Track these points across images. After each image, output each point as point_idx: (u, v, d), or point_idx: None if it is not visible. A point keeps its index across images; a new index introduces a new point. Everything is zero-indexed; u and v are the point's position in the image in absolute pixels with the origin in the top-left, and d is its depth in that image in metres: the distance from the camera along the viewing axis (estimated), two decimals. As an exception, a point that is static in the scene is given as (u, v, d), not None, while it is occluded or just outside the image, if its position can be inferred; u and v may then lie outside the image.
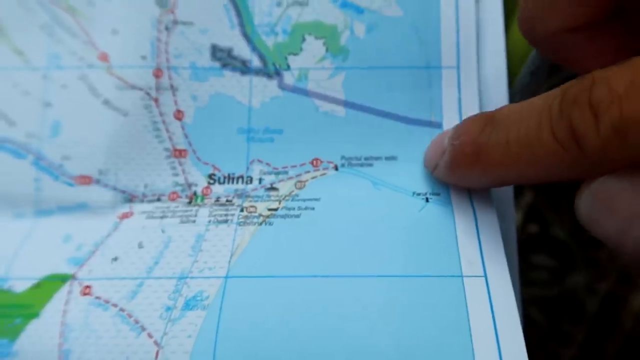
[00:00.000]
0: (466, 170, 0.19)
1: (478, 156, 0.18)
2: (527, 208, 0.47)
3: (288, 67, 0.23)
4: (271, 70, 0.23)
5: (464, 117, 0.21)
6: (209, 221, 0.21)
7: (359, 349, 0.18)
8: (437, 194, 0.21)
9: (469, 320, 0.18)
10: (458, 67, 0.22)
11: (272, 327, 0.18)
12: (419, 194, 0.21)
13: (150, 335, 0.19)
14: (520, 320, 0.18)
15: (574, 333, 0.48)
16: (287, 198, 0.21)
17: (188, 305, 0.19)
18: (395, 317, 0.18)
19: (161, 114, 0.23)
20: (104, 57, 0.23)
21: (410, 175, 0.21)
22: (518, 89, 0.25)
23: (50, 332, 0.19)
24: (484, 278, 0.19)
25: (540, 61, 0.24)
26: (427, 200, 0.21)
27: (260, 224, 0.21)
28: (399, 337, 0.18)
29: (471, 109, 0.22)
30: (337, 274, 0.19)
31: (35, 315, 0.20)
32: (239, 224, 0.21)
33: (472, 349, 0.17)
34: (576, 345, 0.47)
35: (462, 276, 0.19)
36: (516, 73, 0.25)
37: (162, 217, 0.21)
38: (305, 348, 0.18)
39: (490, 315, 0.18)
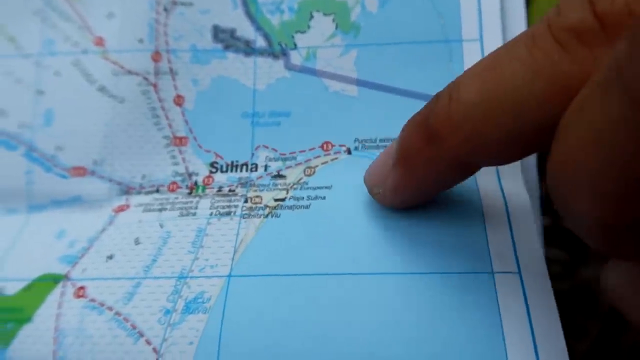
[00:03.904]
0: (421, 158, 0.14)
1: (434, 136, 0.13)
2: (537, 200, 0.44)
3: (295, 46, 0.20)
4: (277, 50, 0.20)
5: None
6: (211, 214, 0.18)
7: (375, 356, 0.15)
8: None
9: (501, 324, 0.15)
10: (481, 40, 0.19)
11: (280, 331, 0.15)
12: None
13: (148, 342, 0.16)
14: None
15: (588, 327, 0.45)
16: (295, 187, 0.18)
17: (188, 308, 0.16)
18: (416, 321, 0.15)
19: (160, 100, 0.20)
20: (99, 42, 0.21)
21: None
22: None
23: (43, 337, 0.17)
24: (517, 275, 0.15)
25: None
26: None
27: (266, 216, 0.18)
28: (420, 343, 0.15)
29: None
30: (352, 271, 0.16)
31: (27, 319, 0.17)
32: (242, 216, 0.18)
33: (506, 358, 0.14)
34: (590, 339, 0.45)
35: (492, 272, 0.15)
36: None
37: (160, 210, 0.18)
38: (316, 355, 0.15)
39: (527, 318, 0.14)
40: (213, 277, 0.17)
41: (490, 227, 0.16)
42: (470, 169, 0.15)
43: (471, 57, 0.19)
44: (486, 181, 0.17)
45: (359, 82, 0.19)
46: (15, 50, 0.21)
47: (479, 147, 0.13)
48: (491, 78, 0.12)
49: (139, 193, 0.19)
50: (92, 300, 0.17)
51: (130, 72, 0.20)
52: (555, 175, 0.10)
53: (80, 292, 0.17)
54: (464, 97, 0.13)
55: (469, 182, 0.17)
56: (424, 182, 0.15)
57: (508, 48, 0.12)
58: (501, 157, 0.13)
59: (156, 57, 0.20)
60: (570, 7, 0.11)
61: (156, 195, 0.19)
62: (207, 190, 0.19)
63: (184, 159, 0.19)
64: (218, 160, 0.19)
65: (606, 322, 0.45)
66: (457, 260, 0.16)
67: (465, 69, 0.15)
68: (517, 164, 0.18)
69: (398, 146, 0.15)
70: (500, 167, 0.18)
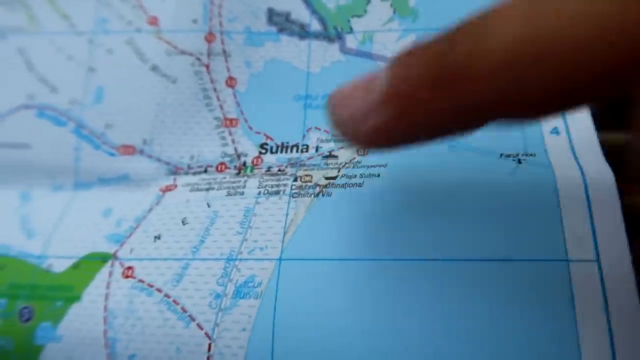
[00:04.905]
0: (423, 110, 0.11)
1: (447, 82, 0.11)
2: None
3: (351, 30, 0.19)
4: (332, 34, 0.20)
5: None
6: (259, 193, 0.18)
7: (434, 347, 0.14)
8: (532, 155, 0.16)
9: (575, 320, 0.14)
10: None
11: (336, 319, 0.15)
12: (508, 156, 0.16)
13: (200, 327, 0.16)
14: None
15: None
16: (347, 166, 0.18)
17: (239, 293, 0.16)
18: (480, 312, 0.14)
19: (212, 81, 0.20)
20: (153, 21, 0.20)
21: (496, 134, 0.16)
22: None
23: (94, 317, 0.17)
24: (596, 263, 0.14)
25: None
26: (519, 162, 0.16)
27: (317, 195, 0.17)
28: (484, 336, 0.14)
29: None
30: (410, 257, 0.15)
31: (76, 298, 0.17)
32: (292, 195, 0.17)
33: (580, 356, 0.13)
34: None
35: (567, 260, 0.14)
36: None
37: (207, 190, 0.18)
38: (374, 344, 0.14)
39: (604, 315, 0.13)
40: (263, 260, 0.16)
41: (565, 209, 0.15)
42: (482, 124, 0.12)
43: None
44: (559, 155, 0.16)
45: None
46: (69, 28, 0.21)
47: (513, 99, 0.10)
48: (547, 14, 0.09)
49: (186, 173, 0.19)
50: (141, 281, 0.17)
51: (183, 52, 0.20)
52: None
53: (128, 272, 0.17)
54: (505, 34, 0.10)
55: (539, 156, 0.16)
56: (418, 130, 0.12)
57: None
58: (531, 113, 0.11)
59: (210, 38, 0.20)
60: None
61: (204, 176, 0.19)
62: (256, 171, 0.19)
63: (233, 140, 0.19)
64: (268, 141, 0.19)
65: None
66: (526, 246, 0.14)
67: None
68: (593, 131, 0.16)
69: (392, 83, 0.12)
70: (575, 136, 0.16)
